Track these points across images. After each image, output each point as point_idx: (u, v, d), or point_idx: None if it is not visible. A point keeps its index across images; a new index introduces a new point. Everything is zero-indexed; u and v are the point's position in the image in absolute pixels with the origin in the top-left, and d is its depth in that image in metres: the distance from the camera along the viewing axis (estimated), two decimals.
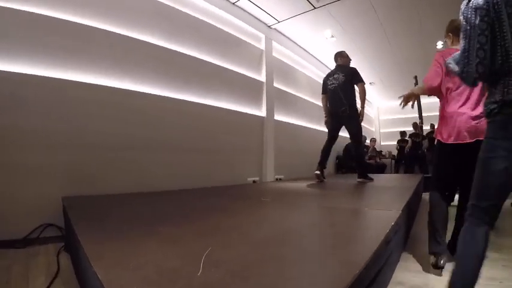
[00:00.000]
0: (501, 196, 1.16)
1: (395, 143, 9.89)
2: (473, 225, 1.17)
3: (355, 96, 4.03)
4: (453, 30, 1.99)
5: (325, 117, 4.21)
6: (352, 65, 4.23)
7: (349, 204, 2.39)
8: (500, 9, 1.07)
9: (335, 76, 4.11)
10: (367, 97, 4.38)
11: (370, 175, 4.25)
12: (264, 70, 5.21)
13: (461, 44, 1.18)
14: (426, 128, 8.44)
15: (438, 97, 2.02)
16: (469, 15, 1.13)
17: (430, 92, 2.05)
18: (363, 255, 0.94)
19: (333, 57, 4.32)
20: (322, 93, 4.24)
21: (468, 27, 1.14)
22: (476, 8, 1.10)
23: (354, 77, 3.96)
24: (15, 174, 2.32)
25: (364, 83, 3.95)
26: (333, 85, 4.06)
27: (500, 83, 1.10)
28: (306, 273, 0.87)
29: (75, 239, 1.29)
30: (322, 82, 4.29)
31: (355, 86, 4.01)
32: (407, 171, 8.38)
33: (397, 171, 9.07)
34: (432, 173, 2.11)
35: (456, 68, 1.28)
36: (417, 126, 8.45)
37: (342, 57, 4.23)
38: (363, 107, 3.98)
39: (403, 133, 9.26)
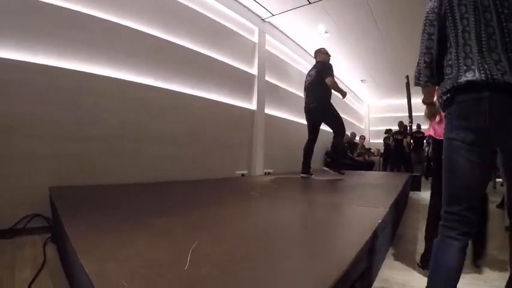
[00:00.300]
0: (471, 196, 1.05)
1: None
2: (447, 237, 1.05)
3: (326, 93, 3.94)
4: None
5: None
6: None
7: (337, 200, 2.41)
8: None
9: (310, 73, 4.14)
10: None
11: (356, 172, 4.33)
12: (256, 63, 5.18)
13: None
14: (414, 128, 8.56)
15: None
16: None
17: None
18: (350, 252, 0.96)
19: (313, 54, 4.35)
20: (304, 90, 4.30)
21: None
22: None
23: (324, 72, 3.89)
24: (2, 162, 2.26)
25: (332, 77, 3.83)
26: (308, 81, 4.10)
27: (450, 70, 1.10)
28: (294, 268, 0.88)
29: (62, 230, 1.28)
30: None
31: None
32: (393, 169, 8.59)
33: (384, 169, 9.22)
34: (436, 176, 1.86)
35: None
36: (402, 125, 8.61)
37: (320, 54, 4.22)
38: (340, 92, 4.02)
39: (388, 131, 9.38)
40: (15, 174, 2.32)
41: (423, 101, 1.49)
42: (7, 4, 2.33)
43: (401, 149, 8.34)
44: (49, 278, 1.52)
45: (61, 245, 1.63)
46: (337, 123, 3.95)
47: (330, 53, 4.28)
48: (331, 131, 4.02)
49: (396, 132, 8.72)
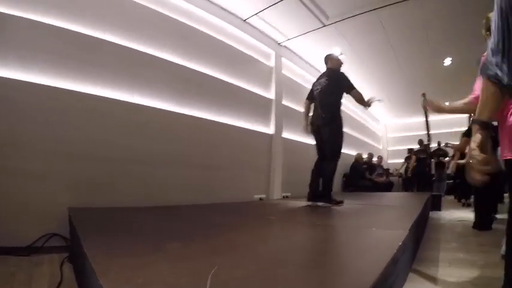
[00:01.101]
0: None
1: (402, 160, 9.81)
2: None
3: (336, 105, 3.54)
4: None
5: (304, 124, 3.85)
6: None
7: (356, 223, 2.35)
8: None
9: (320, 81, 3.70)
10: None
11: (375, 193, 4.06)
12: (274, 87, 5.26)
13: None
14: (434, 145, 8.31)
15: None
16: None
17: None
18: (370, 276, 0.92)
19: (323, 60, 3.90)
20: (306, 99, 3.92)
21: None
22: None
23: (341, 83, 3.51)
24: (23, 181, 2.34)
25: (356, 89, 3.47)
26: (317, 90, 3.68)
27: None
28: None
29: (81, 251, 1.28)
30: None
31: (343, 92, 3.54)
32: (419, 190, 7.93)
33: (406, 190, 8.84)
34: None
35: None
36: (422, 143, 8.32)
37: (332, 60, 3.80)
38: (367, 104, 3.57)
39: (410, 150, 9.16)
40: (34, 193, 2.38)
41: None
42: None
43: (424, 168, 7.96)
44: None
45: (79, 265, 1.64)
46: (337, 144, 3.49)
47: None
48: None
49: (418, 151, 8.39)
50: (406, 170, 9.04)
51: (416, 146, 8.81)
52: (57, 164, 2.54)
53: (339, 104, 3.57)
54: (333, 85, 3.53)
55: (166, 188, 3.31)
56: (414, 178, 8.38)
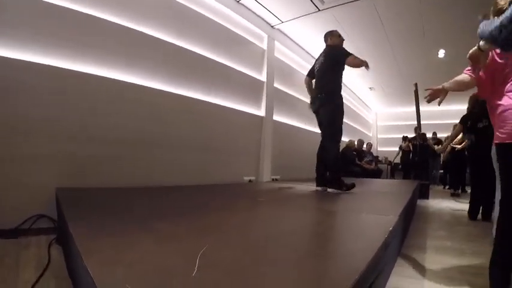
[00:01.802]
0: None
1: (392, 149, 9.92)
2: None
3: (334, 83, 3.32)
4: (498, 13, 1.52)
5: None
6: (351, 68, 3.42)
7: (346, 208, 2.37)
8: None
9: (319, 59, 3.52)
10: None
11: (364, 179, 4.04)
12: (265, 70, 5.21)
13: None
14: (442, 135, 8.40)
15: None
16: None
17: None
18: (361, 261, 0.92)
19: (323, 37, 3.64)
20: (306, 75, 3.70)
21: None
22: None
23: (337, 57, 3.27)
24: (10, 163, 2.28)
25: (351, 55, 3.21)
26: (316, 69, 3.50)
27: None
28: (303, 276, 0.85)
29: (68, 232, 1.26)
30: None
31: (342, 69, 3.32)
32: (417, 176, 7.69)
33: (406, 177, 8.70)
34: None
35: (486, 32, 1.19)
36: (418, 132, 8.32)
37: (332, 37, 3.55)
38: (363, 65, 3.26)
39: (404, 138, 9.25)
40: (21, 174, 2.33)
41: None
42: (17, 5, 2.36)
43: (423, 155, 7.95)
44: (53, 279, 1.51)
45: (66, 246, 1.62)
46: (336, 126, 3.29)
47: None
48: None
49: (413, 138, 8.42)
50: (403, 157, 9.05)
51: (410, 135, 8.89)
52: (46, 145, 2.47)
53: (337, 82, 3.35)
54: (330, 62, 3.34)
55: (156, 169, 3.28)
56: (410, 166, 8.39)
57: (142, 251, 0.99)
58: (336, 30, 3.64)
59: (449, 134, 8.41)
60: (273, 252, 1.07)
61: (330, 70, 3.33)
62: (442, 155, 7.76)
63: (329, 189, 3.31)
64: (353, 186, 3.25)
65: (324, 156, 3.39)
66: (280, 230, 1.47)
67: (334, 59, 3.32)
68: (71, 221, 1.34)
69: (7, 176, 2.26)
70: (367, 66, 3.29)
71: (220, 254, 0.98)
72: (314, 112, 3.55)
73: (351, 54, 3.23)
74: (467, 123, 3.59)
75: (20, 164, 2.33)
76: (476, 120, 3.39)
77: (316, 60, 3.63)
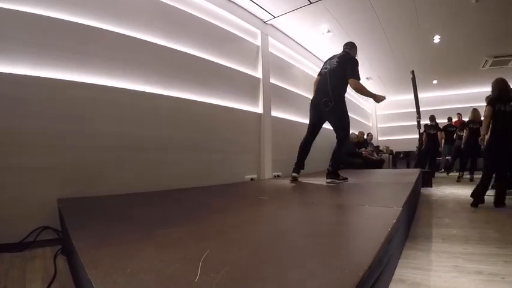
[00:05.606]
0: None
1: (392, 138, 9.86)
2: None
3: (343, 89, 3.49)
4: None
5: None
6: None
7: (348, 202, 2.37)
8: None
9: (331, 60, 3.62)
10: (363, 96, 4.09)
11: (366, 170, 4.13)
12: (261, 66, 5.16)
13: None
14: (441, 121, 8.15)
15: None
16: None
17: None
18: (366, 256, 0.92)
19: (345, 44, 3.79)
20: (317, 75, 3.83)
21: None
22: None
23: (347, 67, 3.39)
24: (11, 176, 2.27)
25: (357, 79, 3.37)
26: (326, 69, 3.59)
27: None
28: (309, 275, 0.84)
29: (70, 243, 1.26)
30: None
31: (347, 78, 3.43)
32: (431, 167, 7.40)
33: (424, 166, 7.65)
34: None
35: None
36: (434, 119, 7.85)
37: (353, 49, 3.72)
38: (372, 97, 3.51)
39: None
40: (22, 186, 2.32)
41: None
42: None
43: (434, 144, 7.63)
44: None
45: (71, 257, 1.62)
46: (345, 129, 3.53)
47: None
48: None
49: (428, 126, 7.76)
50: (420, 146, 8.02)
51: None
52: (47, 156, 2.46)
53: (345, 89, 3.50)
54: (341, 68, 3.44)
55: (156, 173, 3.26)
56: (427, 155, 7.74)
57: (145, 259, 0.99)
58: (355, 45, 3.79)
59: (456, 119, 8.36)
60: (277, 252, 1.07)
61: (340, 76, 3.43)
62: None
63: (327, 180, 3.55)
64: (346, 178, 3.58)
65: (335, 152, 3.61)
66: (282, 229, 1.47)
67: (346, 66, 3.42)
68: (73, 232, 1.34)
69: (10, 189, 2.25)
70: (379, 99, 3.53)
71: (223, 258, 0.98)
72: (311, 107, 3.72)
73: (354, 74, 3.36)
74: (495, 106, 3.57)
75: (20, 176, 2.32)
76: (505, 104, 3.44)
77: (327, 60, 3.72)
